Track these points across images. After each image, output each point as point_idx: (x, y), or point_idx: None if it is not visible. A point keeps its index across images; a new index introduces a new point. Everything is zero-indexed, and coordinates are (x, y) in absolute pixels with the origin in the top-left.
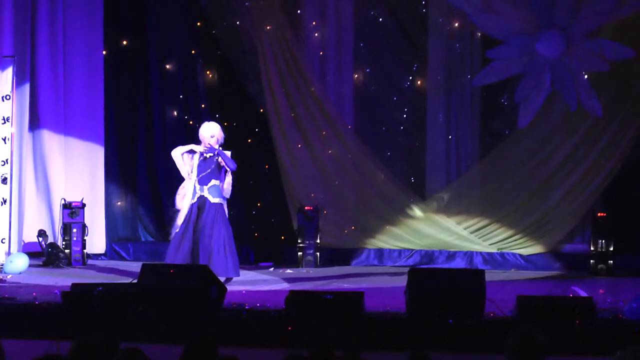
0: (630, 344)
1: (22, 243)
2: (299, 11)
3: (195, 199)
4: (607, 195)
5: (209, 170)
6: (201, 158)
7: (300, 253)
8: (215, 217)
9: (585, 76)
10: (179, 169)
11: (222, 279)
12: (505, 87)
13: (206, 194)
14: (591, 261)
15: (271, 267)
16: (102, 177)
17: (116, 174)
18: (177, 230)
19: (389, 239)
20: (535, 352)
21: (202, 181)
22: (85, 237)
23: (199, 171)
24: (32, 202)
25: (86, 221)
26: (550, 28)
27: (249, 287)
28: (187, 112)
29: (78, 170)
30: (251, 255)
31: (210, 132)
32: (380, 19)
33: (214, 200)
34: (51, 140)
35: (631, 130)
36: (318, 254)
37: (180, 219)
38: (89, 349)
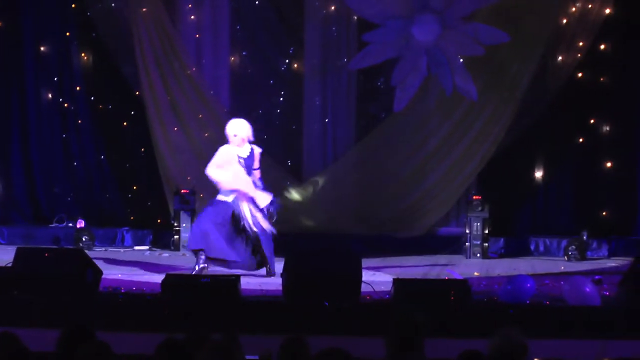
0: (503, 327)
1: None
2: None
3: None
4: (482, 178)
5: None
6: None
7: (176, 236)
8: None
9: (461, 60)
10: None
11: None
12: (381, 71)
13: None
14: (466, 244)
15: (147, 251)
16: None
17: None
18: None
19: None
20: (414, 334)
21: None
22: None
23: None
24: None
25: None
26: (425, 12)
27: (126, 272)
28: (61, 94)
29: None
30: (127, 238)
31: (233, 130)
32: (257, 2)
33: None
34: None
35: (505, 114)
36: None
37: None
38: None
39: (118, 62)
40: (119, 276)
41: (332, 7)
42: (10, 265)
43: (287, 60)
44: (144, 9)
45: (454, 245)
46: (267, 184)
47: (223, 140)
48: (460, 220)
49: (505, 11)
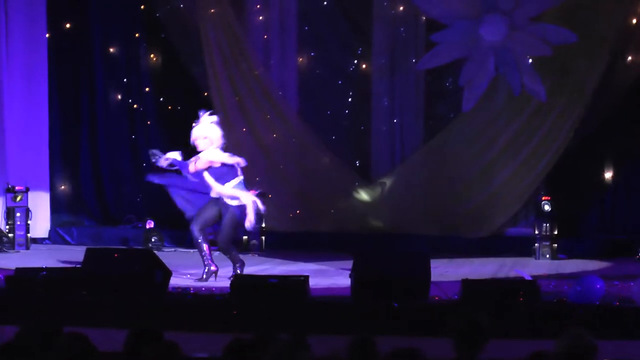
0: (571, 327)
1: None
2: None
3: None
4: (551, 179)
5: None
6: None
7: (245, 237)
8: None
9: (530, 60)
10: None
11: None
12: (449, 71)
13: None
14: (535, 245)
15: (216, 252)
16: (47, 161)
17: (59, 158)
18: None
19: (334, 223)
20: (480, 336)
21: None
22: (29, 221)
23: None
24: None
25: (30, 205)
26: (493, 12)
27: (192, 272)
28: (130, 95)
29: (21, 154)
30: None
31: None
32: (325, 3)
33: None
34: None
35: (574, 114)
36: (263, 238)
37: None
38: (32, 334)
39: (186, 62)
40: (188, 277)
41: (400, 8)
42: (79, 265)
43: (355, 61)
44: (212, 10)
45: (523, 246)
46: (334, 183)
47: (290, 141)
48: (528, 221)
49: (574, 11)
